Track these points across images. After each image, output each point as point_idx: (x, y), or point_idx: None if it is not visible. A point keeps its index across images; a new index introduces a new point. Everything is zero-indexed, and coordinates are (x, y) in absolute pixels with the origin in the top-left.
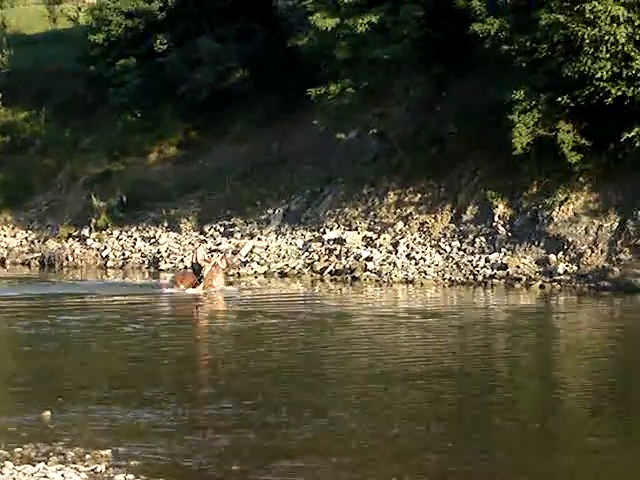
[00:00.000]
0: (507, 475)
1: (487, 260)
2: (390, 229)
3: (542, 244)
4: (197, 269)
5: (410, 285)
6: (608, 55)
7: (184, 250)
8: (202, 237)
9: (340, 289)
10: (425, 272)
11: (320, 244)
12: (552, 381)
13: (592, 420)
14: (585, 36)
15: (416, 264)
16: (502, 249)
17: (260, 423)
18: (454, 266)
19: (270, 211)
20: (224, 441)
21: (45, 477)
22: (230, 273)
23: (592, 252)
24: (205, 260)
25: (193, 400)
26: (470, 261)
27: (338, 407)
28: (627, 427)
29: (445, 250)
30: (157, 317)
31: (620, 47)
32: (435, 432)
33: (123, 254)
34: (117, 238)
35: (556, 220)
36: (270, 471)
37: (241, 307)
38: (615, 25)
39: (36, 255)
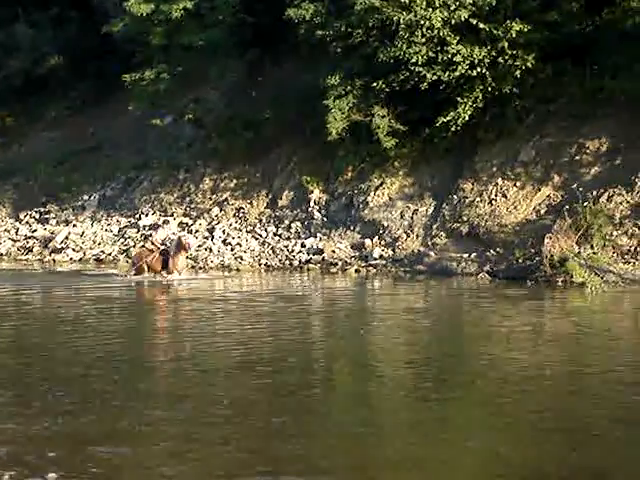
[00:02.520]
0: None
1: (303, 245)
2: (206, 215)
3: (358, 229)
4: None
5: (227, 270)
6: (424, 40)
7: None
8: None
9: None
10: (241, 258)
11: (136, 230)
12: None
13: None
14: (400, 21)
15: (232, 250)
16: (318, 234)
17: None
18: (270, 251)
19: (85, 197)
20: None
21: None
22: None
23: (407, 236)
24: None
25: None
26: (286, 246)
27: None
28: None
29: (261, 235)
30: None
31: (436, 32)
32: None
33: None
34: None
35: (371, 205)
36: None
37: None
38: (431, 9)
39: None
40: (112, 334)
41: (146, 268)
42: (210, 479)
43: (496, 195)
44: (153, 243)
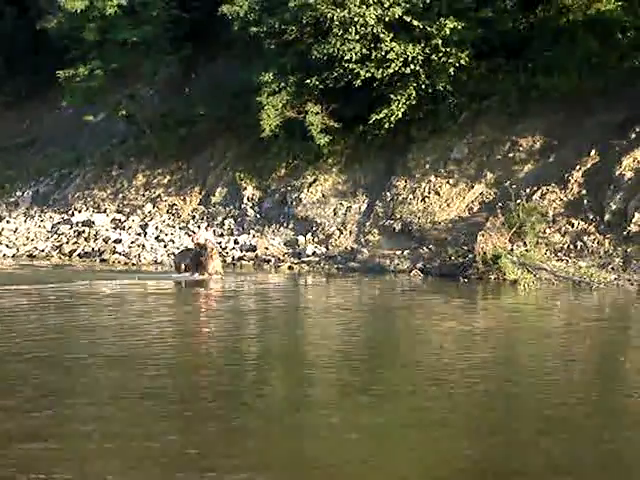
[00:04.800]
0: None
1: (236, 242)
2: (139, 211)
3: (291, 226)
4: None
5: (159, 267)
6: (357, 37)
7: None
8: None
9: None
10: (174, 254)
11: (69, 226)
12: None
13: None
14: (334, 18)
15: (165, 246)
16: (251, 231)
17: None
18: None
19: (19, 193)
20: None
21: None
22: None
23: (341, 233)
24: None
25: None
26: (219, 243)
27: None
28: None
29: (194, 232)
30: None
31: (369, 29)
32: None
33: None
34: None
35: (305, 202)
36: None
37: None
38: (364, 7)
39: None
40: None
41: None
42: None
43: (429, 192)
44: (199, 244)
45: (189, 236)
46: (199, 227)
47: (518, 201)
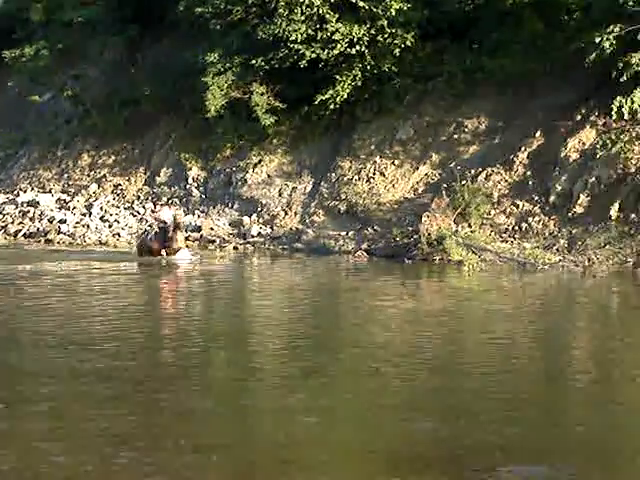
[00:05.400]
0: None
1: None
2: (84, 191)
3: (236, 206)
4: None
5: (104, 247)
6: (303, 17)
7: None
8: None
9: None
10: (119, 234)
11: (14, 207)
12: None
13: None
14: None
15: (110, 226)
16: (196, 211)
17: None
18: (148, 228)
19: None
20: None
21: None
22: None
23: (286, 214)
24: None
25: None
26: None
27: None
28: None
29: (139, 212)
30: None
31: (315, 9)
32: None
33: None
34: None
35: (250, 182)
36: None
37: None
38: None
39: None
40: None
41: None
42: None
43: (374, 173)
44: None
45: (153, 212)
46: (160, 205)
47: (463, 182)
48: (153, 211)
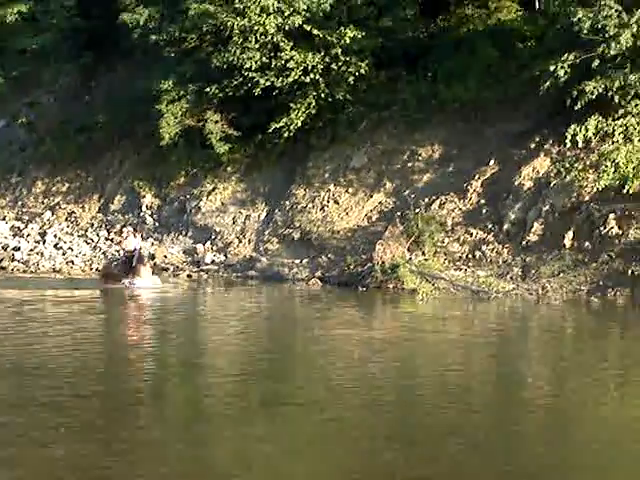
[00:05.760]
0: None
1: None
2: (38, 219)
3: (190, 234)
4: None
5: (57, 274)
6: (257, 45)
7: None
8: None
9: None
10: (72, 262)
11: None
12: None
13: None
14: (234, 26)
15: (64, 254)
16: (150, 239)
17: None
18: (102, 256)
19: None
20: None
21: None
22: None
23: (240, 242)
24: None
25: None
26: (118, 251)
27: None
28: None
29: (92, 240)
30: None
31: (270, 37)
32: None
33: None
34: None
35: (204, 210)
36: None
37: None
38: (265, 15)
39: None
40: None
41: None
42: None
43: (328, 201)
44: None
45: (117, 241)
46: (128, 232)
47: (417, 210)
48: (119, 242)
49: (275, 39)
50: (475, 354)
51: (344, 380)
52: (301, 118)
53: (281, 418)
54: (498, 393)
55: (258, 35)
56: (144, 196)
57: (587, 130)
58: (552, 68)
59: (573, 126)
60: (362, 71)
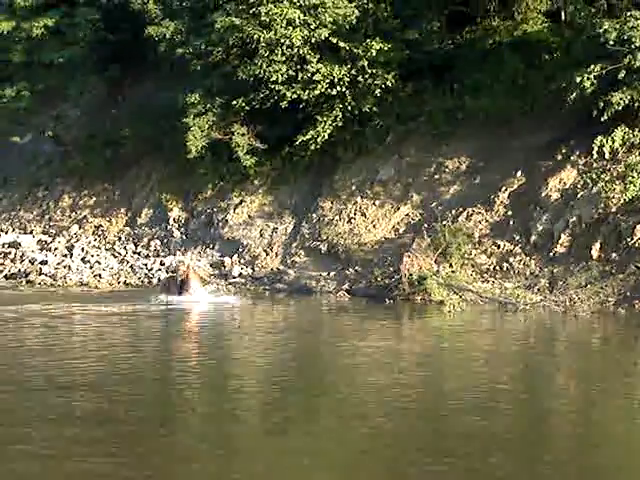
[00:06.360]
0: None
1: (162, 263)
2: (65, 232)
3: (217, 247)
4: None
5: (85, 288)
6: (284, 58)
7: None
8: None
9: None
10: (100, 275)
11: None
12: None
13: None
14: (261, 39)
15: (91, 267)
16: (177, 252)
17: None
18: (129, 269)
19: None
20: None
21: None
22: None
23: (267, 255)
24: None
25: None
26: (145, 264)
27: None
28: None
29: (120, 253)
30: None
31: (296, 50)
32: None
33: None
34: None
35: (231, 223)
36: None
37: None
38: (291, 28)
39: None
40: None
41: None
42: None
43: (355, 214)
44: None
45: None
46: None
47: (444, 222)
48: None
49: (301, 52)
50: (503, 370)
51: (385, 392)
52: (328, 131)
53: (322, 431)
54: (533, 404)
55: (284, 48)
56: (171, 209)
57: (614, 141)
58: (578, 79)
59: (600, 137)
60: (388, 83)
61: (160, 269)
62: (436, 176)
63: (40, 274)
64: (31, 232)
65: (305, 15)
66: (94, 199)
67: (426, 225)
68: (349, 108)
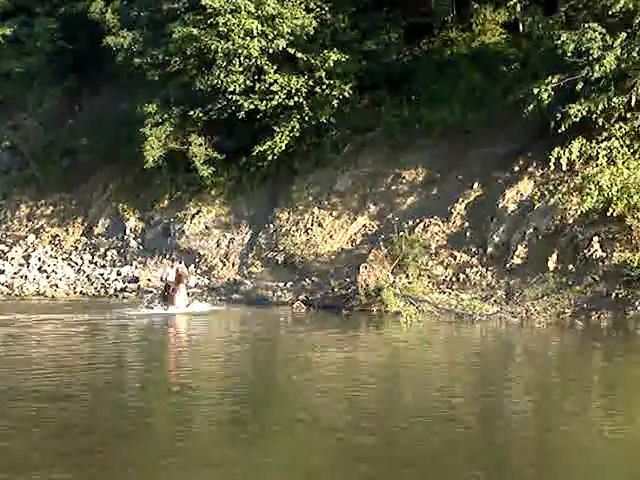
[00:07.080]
0: None
1: (119, 273)
2: (22, 242)
3: (174, 257)
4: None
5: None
6: (241, 69)
7: None
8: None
9: None
10: (57, 285)
11: None
12: None
13: None
14: (218, 49)
15: (48, 277)
16: (134, 262)
17: None
18: (85, 279)
19: None
20: None
21: None
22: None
23: (224, 265)
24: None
25: None
26: (102, 274)
27: None
28: None
29: (77, 263)
30: None
31: (253, 61)
32: None
33: None
34: None
35: (188, 233)
36: None
37: None
38: (248, 38)
39: None
40: None
41: None
42: None
43: (312, 224)
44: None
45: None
46: (165, 265)
47: (401, 233)
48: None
49: (259, 62)
50: (457, 381)
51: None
52: (285, 141)
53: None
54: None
55: (242, 58)
56: (128, 219)
57: (571, 153)
58: (536, 91)
59: (557, 149)
60: (346, 94)
61: (117, 279)
62: (393, 187)
63: None
64: None
65: (263, 25)
66: (51, 209)
67: (383, 236)
68: (306, 119)
